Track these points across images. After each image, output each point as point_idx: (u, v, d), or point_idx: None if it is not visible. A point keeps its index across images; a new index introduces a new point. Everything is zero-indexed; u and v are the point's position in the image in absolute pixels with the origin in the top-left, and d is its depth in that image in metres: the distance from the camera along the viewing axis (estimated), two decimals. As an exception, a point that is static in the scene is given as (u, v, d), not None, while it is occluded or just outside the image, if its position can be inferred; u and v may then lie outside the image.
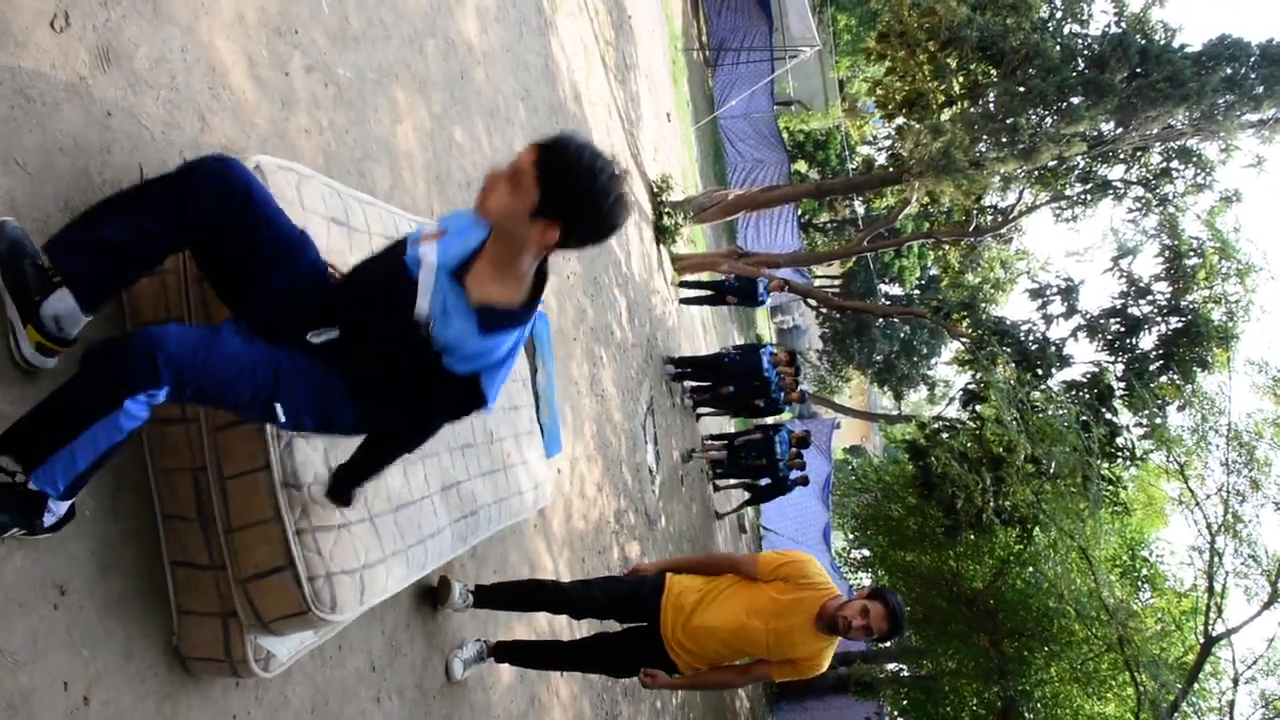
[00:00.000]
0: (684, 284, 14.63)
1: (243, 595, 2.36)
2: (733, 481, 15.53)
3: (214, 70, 3.08)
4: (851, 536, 24.18)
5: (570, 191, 2.12)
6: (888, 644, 3.69)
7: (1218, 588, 12.16)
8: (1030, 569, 14.24)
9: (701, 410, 14.76)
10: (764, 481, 15.19)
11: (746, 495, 16.08)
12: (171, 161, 2.78)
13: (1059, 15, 14.13)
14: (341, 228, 2.78)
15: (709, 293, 14.62)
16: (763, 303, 14.36)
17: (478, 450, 3.69)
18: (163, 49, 2.83)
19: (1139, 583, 14.49)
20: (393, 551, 2.79)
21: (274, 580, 2.35)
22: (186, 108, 2.90)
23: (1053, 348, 13.87)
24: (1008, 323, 14.73)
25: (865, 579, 22.03)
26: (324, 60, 3.90)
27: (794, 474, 14.61)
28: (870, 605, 3.70)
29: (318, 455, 2.54)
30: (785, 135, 30.22)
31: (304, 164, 3.48)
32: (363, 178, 4.07)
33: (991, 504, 12.38)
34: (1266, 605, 12.08)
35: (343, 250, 2.77)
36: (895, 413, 35.89)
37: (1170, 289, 13.83)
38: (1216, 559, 12.19)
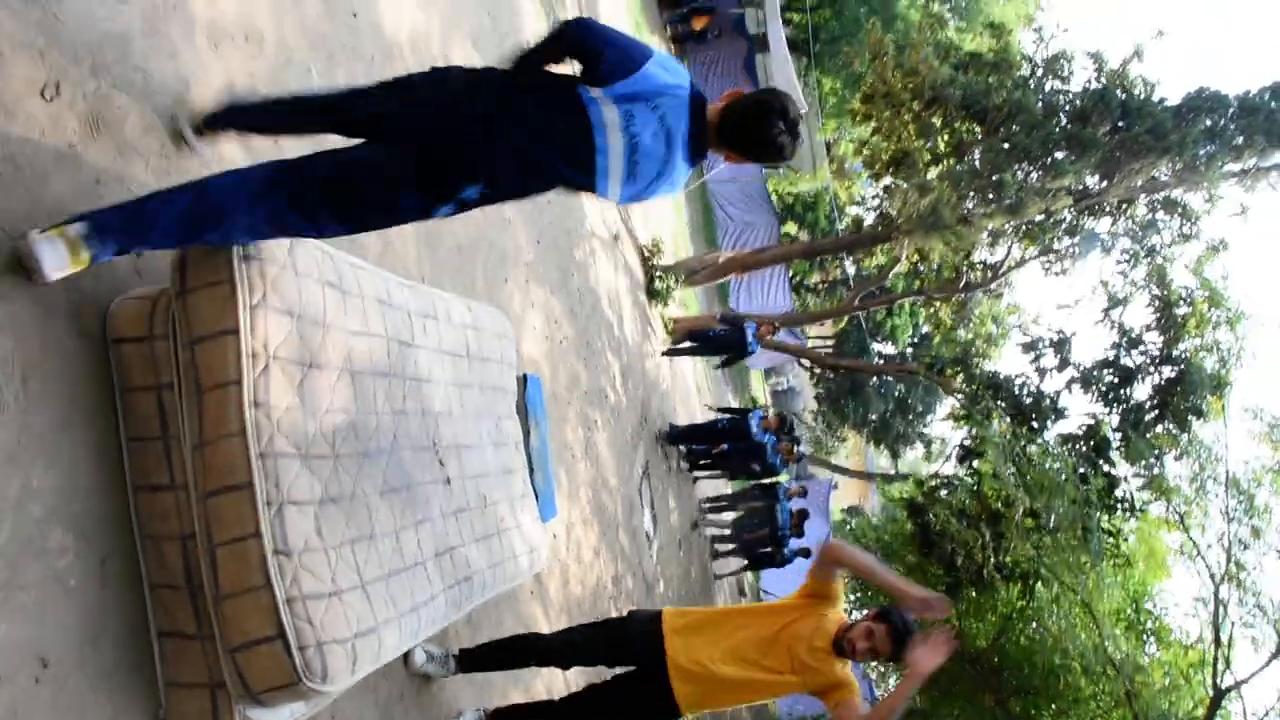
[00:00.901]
0: (673, 346, 14.52)
1: (231, 665, 2.30)
2: (731, 547, 15.43)
3: (203, 137, 3.09)
4: (852, 598, 23.91)
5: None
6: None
7: (1224, 638, 12.02)
8: (1034, 625, 14.07)
9: (698, 474, 14.70)
10: (762, 550, 15.15)
11: (745, 561, 15.98)
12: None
13: (1040, 73, 14.36)
14: (335, 291, 2.77)
15: (694, 344, 14.31)
16: (752, 352, 13.81)
17: (471, 514, 3.65)
18: (152, 117, 2.85)
19: (1144, 636, 14.30)
20: (385, 620, 2.73)
21: (264, 650, 2.30)
22: (176, 175, 2.91)
23: (1047, 400, 13.89)
24: (1001, 377, 14.77)
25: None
26: (313, 128, 3.92)
27: (795, 543, 14.57)
28: (874, 627, 3.64)
29: (309, 521, 2.50)
30: (774, 198, 30.49)
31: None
32: (353, 243, 4.07)
33: (992, 560, 12.28)
34: (1275, 654, 11.93)
35: (338, 314, 2.76)
36: (892, 471, 35.77)
37: (1162, 339, 13.89)
38: (1221, 609, 12.07)
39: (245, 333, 2.38)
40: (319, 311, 2.66)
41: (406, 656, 3.83)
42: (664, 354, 14.00)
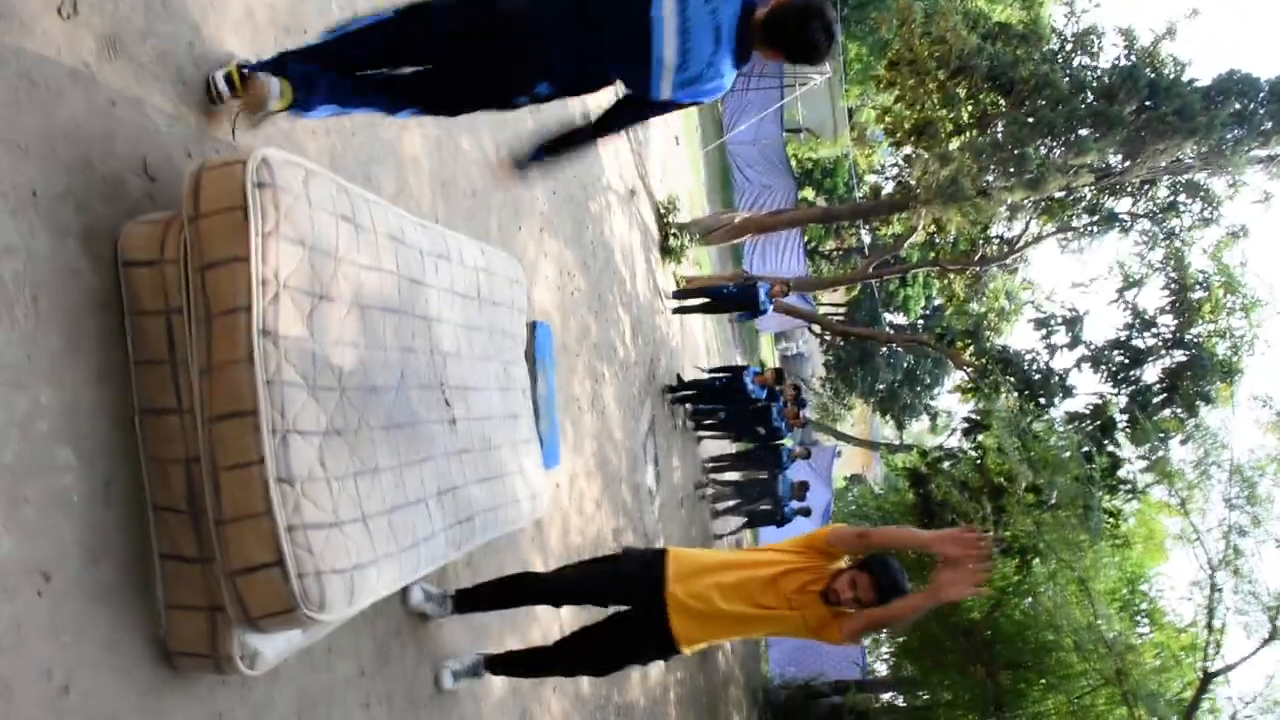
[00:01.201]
0: (681, 293, 14.16)
1: (231, 590, 2.31)
2: (731, 504, 15.50)
3: (221, 67, 3.07)
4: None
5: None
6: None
7: (1217, 624, 12.08)
8: (1028, 600, 14.14)
9: (702, 434, 14.72)
10: (763, 507, 15.21)
11: (745, 519, 16.06)
12: (176, 156, 2.77)
13: (1069, 47, 14.17)
14: (348, 224, 2.76)
15: (705, 300, 13.97)
16: (764, 310, 13.52)
17: (474, 456, 3.66)
18: (170, 42, 2.83)
19: (1138, 616, 14.37)
20: (385, 554, 2.74)
21: (263, 576, 2.31)
22: (192, 103, 2.90)
23: (1056, 378, 13.84)
24: (1011, 351, 14.71)
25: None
26: (333, 62, 3.89)
27: (795, 504, 14.64)
28: (857, 577, 3.67)
29: (313, 451, 2.51)
30: (793, 162, 30.30)
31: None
32: (368, 181, 4.06)
33: (991, 533, 12.31)
34: (1266, 642, 11.99)
35: (350, 248, 2.76)
36: (897, 442, 35.81)
37: (1175, 322, 13.80)
38: (1216, 594, 12.11)
39: (256, 260, 2.37)
40: (331, 244, 2.65)
41: (404, 593, 3.87)
42: (674, 311, 13.88)
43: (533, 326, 5.51)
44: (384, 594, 2.73)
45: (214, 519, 2.33)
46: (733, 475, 15.98)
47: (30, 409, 2.14)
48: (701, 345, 17.89)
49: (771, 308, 13.64)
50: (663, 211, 13.96)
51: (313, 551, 2.39)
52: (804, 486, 14.67)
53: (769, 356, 37.41)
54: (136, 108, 2.64)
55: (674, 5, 2.87)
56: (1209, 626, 12.13)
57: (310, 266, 2.56)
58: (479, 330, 3.93)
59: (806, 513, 15.10)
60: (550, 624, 5.56)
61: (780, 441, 15.02)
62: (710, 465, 15.38)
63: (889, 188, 19.71)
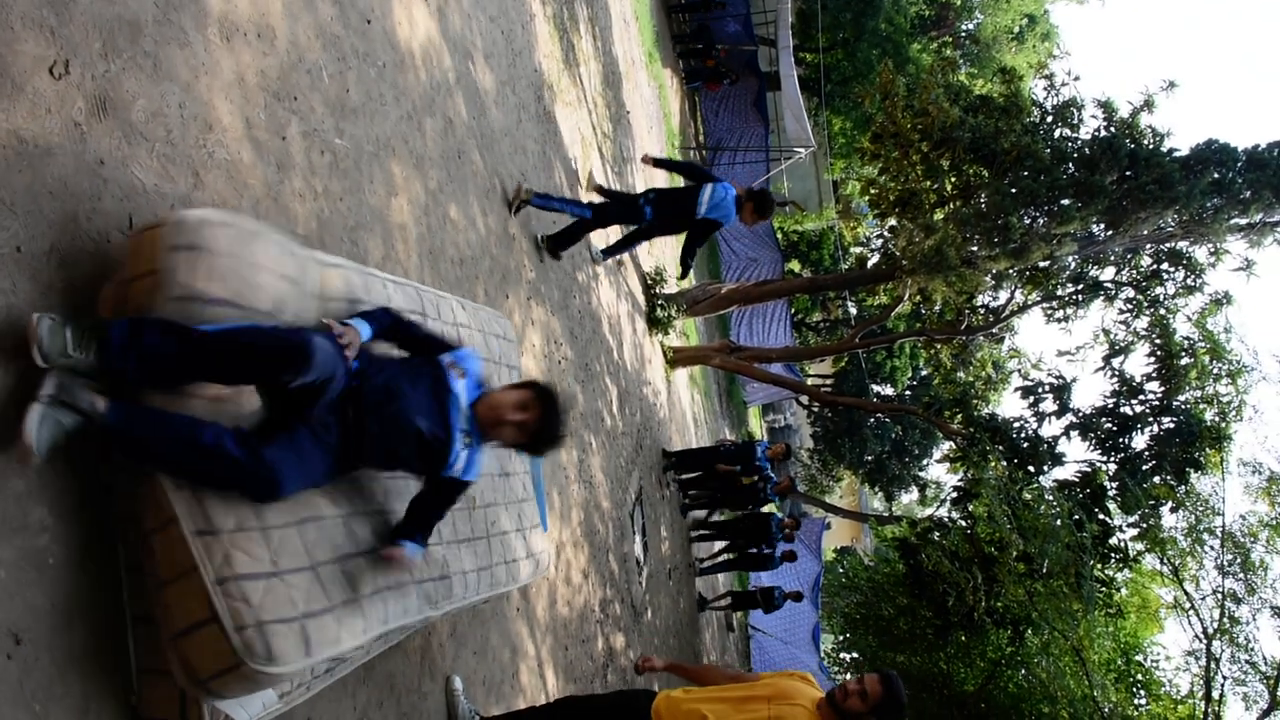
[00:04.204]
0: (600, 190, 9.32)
1: (175, 652, 2.24)
2: (717, 560, 15.37)
3: (211, 128, 3.09)
4: (841, 638, 23.79)
5: None
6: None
7: (1215, 695, 11.91)
8: (1023, 672, 13.96)
9: (689, 501, 14.58)
10: (754, 586, 15.11)
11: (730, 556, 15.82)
12: (161, 213, 2.76)
13: (1049, 119, 14.37)
14: (294, 287, 2.73)
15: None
16: (725, 219, 9.58)
17: (454, 515, 3.59)
18: (160, 104, 2.84)
19: (1134, 688, 14.18)
20: (343, 601, 2.63)
21: (204, 633, 2.23)
22: (181, 163, 2.90)
23: (1044, 445, 13.80)
24: (999, 420, 14.70)
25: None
26: (322, 128, 3.92)
27: (782, 546, 14.55)
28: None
29: (236, 503, 2.43)
30: (779, 235, 30.62)
31: (298, 228, 3.48)
32: (355, 246, 4.07)
33: (983, 603, 12.18)
34: (1266, 713, 11.82)
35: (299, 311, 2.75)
36: (886, 513, 35.61)
37: (1162, 389, 13.81)
38: (1213, 664, 11.97)
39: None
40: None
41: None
42: (604, 251, 10.45)
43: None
44: (350, 645, 2.61)
45: (153, 582, 2.28)
46: (719, 545, 15.87)
47: (5, 465, 2.10)
48: (689, 417, 17.85)
49: (735, 211, 9.74)
50: (650, 283, 14.03)
51: (250, 602, 2.29)
52: (791, 556, 14.64)
53: (756, 428, 37.32)
54: (124, 167, 2.64)
55: (709, 190, 7.89)
56: (1207, 698, 11.97)
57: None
58: (465, 391, 3.89)
59: (798, 597, 15.21)
60: None
61: (768, 509, 14.97)
62: (695, 535, 15.24)
63: (875, 259, 19.86)
